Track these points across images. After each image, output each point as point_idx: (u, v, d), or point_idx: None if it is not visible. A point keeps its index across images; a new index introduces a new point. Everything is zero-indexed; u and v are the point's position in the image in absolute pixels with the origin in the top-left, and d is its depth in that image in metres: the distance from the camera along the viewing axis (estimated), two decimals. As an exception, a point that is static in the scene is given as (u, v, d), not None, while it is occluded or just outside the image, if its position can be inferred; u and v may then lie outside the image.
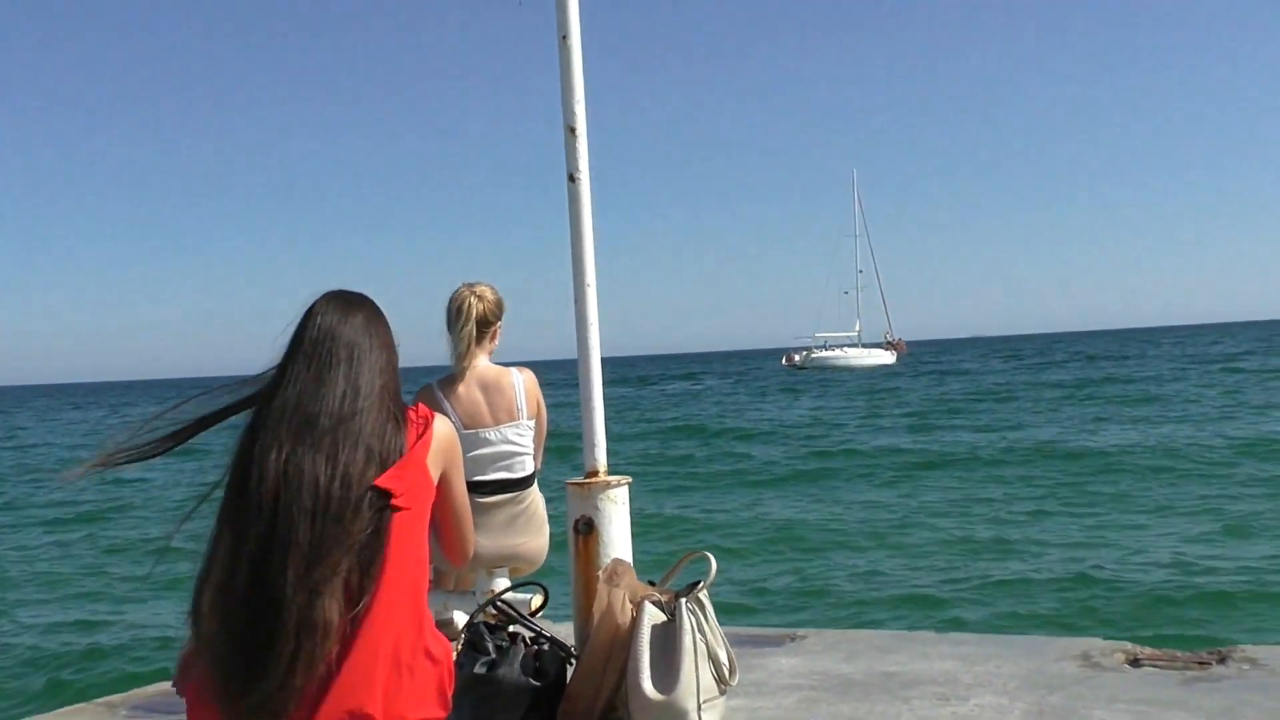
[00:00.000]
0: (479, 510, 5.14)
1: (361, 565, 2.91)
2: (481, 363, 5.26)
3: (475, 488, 5.16)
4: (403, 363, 3.35)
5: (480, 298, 5.26)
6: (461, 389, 5.19)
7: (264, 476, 2.90)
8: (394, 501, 2.99)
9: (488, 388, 5.21)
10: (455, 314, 5.25)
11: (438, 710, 3.10)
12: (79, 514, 23.25)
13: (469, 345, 5.18)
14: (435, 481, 3.16)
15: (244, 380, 3.19)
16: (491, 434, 5.17)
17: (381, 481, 2.97)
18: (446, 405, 5.12)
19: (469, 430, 5.14)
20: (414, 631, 3.06)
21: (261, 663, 2.81)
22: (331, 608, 2.84)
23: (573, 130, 4.45)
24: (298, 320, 3.18)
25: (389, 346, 3.21)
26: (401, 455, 3.03)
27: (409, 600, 3.06)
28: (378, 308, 3.26)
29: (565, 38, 4.45)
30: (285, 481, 2.90)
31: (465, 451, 5.12)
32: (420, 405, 3.23)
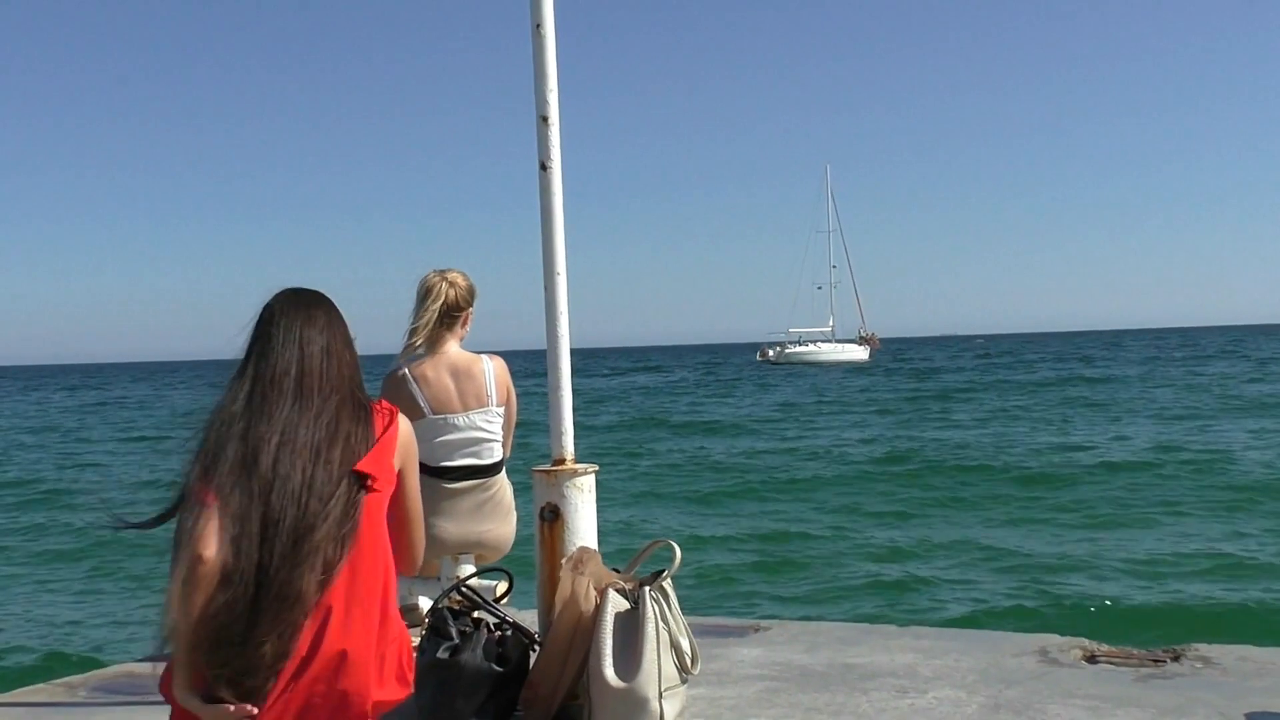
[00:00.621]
0: (445, 496, 5.16)
1: (338, 542, 3.04)
2: (452, 349, 5.26)
3: (442, 473, 5.18)
4: (373, 351, 3.43)
5: (451, 284, 5.25)
6: (431, 374, 5.19)
7: (256, 469, 3.02)
8: (369, 484, 3.13)
9: (458, 374, 5.21)
10: (423, 296, 5.25)
11: (401, 691, 3.21)
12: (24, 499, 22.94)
13: (427, 325, 5.16)
14: (395, 473, 3.26)
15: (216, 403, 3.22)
16: (460, 420, 5.18)
17: (360, 465, 3.11)
18: (416, 390, 5.13)
19: (437, 415, 5.15)
20: (381, 616, 3.14)
21: (245, 637, 2.92)
22: (310, 581, 2.98)
23: (545, 119, 4.46)
24: (257, 321, 3.28)
25: (349, 341, 3.33)
26: (370, 444, 3.16)
27: (378, 584, 3.15)
28: (333, 303, 3.37)
29: (539, 26, 4.45)
30: (276, 472, 3.03)
31: (433, 437, 5.15)
32: (384, 400, 3.35)
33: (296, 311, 3.26)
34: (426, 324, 5.17)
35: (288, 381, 3.17)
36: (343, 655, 3.04)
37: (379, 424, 3.24)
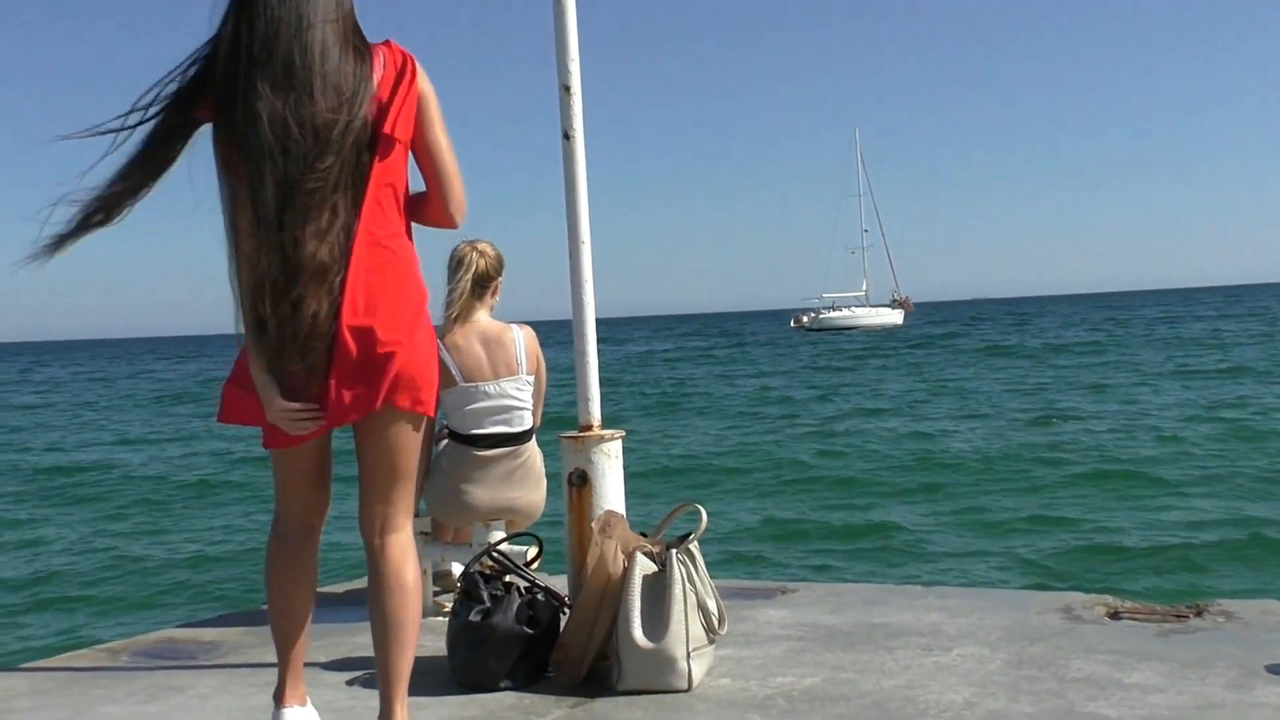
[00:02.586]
0: (477, 464, 5.26)
1: (343, 203, 3.08)
2: (483, 318, 5.35)
3: (473, 441, 5.27)
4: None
5: (481, 254, 5.35)
6: (462, 342, 5.28)
7: (259, 135, 3.02)
8: (381, 145, 3.14)
9: (488, 342, 5.30)
10: (454, 267, 5.34)
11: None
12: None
13: (462, 295, 5.27)
14: (411, 123, 3.23)
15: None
16: (490, 388, 5.26)
17: (353, 115, 3.08)
18: (448, 358, 5.21)
19: (468, 383, 5.24)
20: (405, 276, 3.22)
21: (285, 300, 3.04)
22: (314, 242, 3.03)
23: (567, 88, 4.49)
24: None
25: None
26: (366, 88, 3.13)
27: (396, 251, 3.21)
28: None
29: (559, -4, 4.48)
30: (284, 136, 3.02)
31: (464, 404, 5.25)
32: (392, 42, 3.27)
33: None
34: (461, 294, 5.27)
35: (278, 31, 3.07)
36: (368, 324, 3.09)
37: (389, 72, 3.18)
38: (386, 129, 3.16)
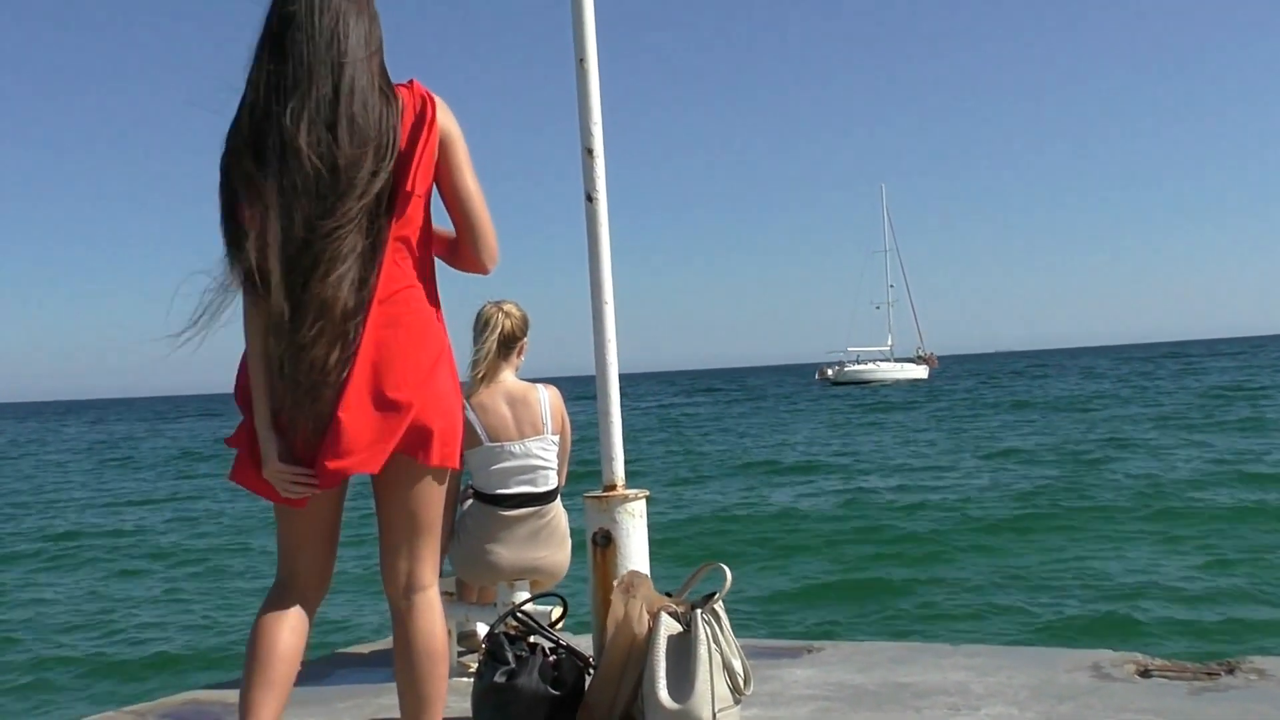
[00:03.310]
0: (502, 524, 5.26)
1: (365, 252, 3.03)
2: (508, 378, 5.38)
3: (498, 500, 5.29)
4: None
5: (507, 314, 5.39)
6: (488, 402, 5.30)
7: (282, 169, 2.97)
8: (402, 187, 3.08)
9: (514, 402, 5.32)
10: (480, 328, 5.38)
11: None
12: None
13: (488, 356, 5.30)
14: (431, 174, 3.18)
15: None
16: (516, 447, 5.28)
17: (380, 165, 3.02)
18: (474, 418, 5.23)
19: (494, 443, 5.26)
20: (423, 328, 3.16)
21: (293, 341, 2.99)
22: (325, 288, 2.97)
23: (590, 152, 4.53)
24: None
25: (375, 16, 3.18)
26: (394, 135, 3.07)
27: (415, 298, 3.16)
28: None
29: (582, 61, 4.52)
30: (299, 172, 2.97)
31: (489, 464, 5.26)
32: (415, 82, 3.20)
33: None
34: (487, 355, 5.30)
35: (304, 70, 3.01)
36: (376, 368, 3.05)
37: (408, 116, 3.11)
38: (407, 185, 3.10)
